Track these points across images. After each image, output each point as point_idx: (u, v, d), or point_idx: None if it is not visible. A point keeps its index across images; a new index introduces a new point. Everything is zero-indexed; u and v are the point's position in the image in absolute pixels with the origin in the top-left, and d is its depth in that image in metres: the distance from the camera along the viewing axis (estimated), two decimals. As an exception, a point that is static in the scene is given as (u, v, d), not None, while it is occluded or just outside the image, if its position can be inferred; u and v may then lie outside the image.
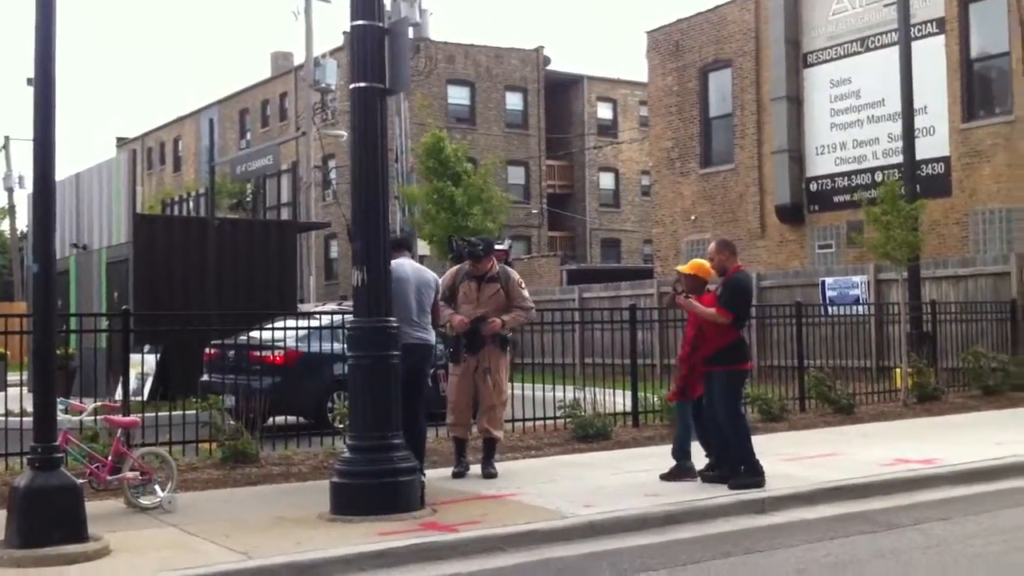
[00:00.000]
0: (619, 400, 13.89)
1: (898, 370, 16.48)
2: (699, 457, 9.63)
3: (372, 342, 8.16)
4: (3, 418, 10.90)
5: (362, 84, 8.29)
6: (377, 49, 8.28)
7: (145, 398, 15.77)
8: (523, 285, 10.21)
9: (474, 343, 9.75)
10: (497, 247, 10.48)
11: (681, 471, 9.52)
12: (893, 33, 23.12)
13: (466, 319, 9.76)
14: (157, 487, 8.37)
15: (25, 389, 16.48)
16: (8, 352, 19.31)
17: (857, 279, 21.50)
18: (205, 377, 13.82)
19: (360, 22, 8.30)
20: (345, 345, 9.48)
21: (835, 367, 15.64)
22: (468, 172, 27.22)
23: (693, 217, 29.82)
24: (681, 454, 9.62)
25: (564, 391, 13.25)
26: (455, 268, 10.22)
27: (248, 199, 44.66)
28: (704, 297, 9.53)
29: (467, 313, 9.79)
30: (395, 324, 8.31)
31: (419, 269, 9.79)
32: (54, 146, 7.29)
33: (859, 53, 25.90)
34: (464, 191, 26.47)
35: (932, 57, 23.28)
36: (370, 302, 8.18)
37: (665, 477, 9.52)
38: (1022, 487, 9.70)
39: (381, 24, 8.35)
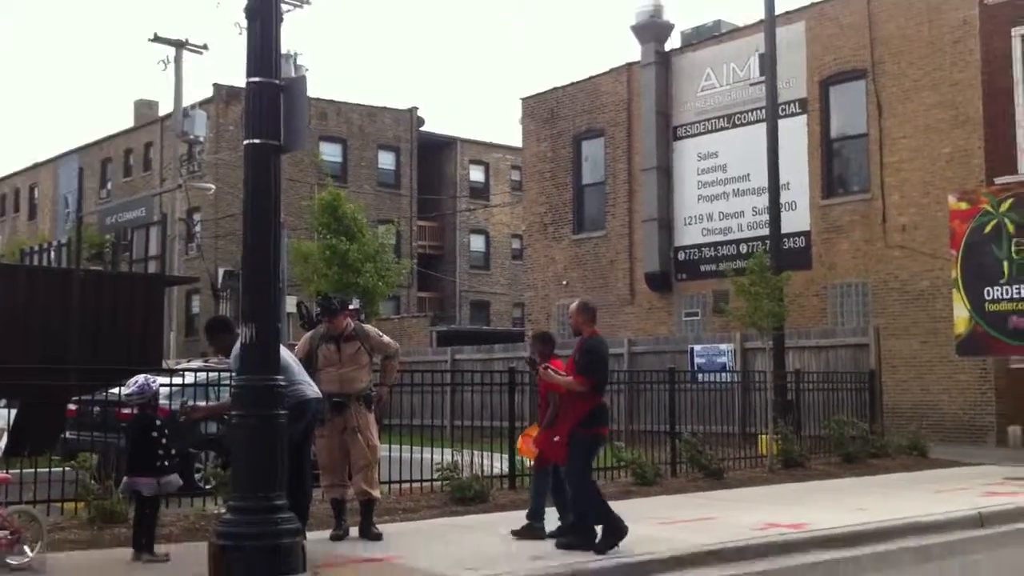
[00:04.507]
0: (495, 463, 13.88)
1: (763, 436, 16.94)
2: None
3: (259, 400, 7.98)
4: None
5: (256, 141, 8.19)
6: (272, 106, 8.23)
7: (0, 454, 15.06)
8: (380, 334, 10.27)
9: (339, 403, 9.69)
10: (350, 306, 10.43)
11: (532, 531, 9.70)
12: (758, 111, 24.17)
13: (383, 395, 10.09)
14: (26, 547, 8.03)
15: None
16: None
17: (724, 347, 22.10)
18: (69, 434, 13.29)
19: (256, 79, 8.25)
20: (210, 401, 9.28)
21: (703, 432, 15.98)
22: (364, 230, 27.29)
23: (564, 282, 30.26)
24: (535, 515, 9.82)
25: (439, 453, 13.18)
26: (309, 333, 10.16)
27: (108, 250, 43.40)
28: (556, 362, 9.72)
29: (331, 375, 9.73)
30: (283, 382, 8.22)
31: None
32: None
33: (726, 129, 26.89)
34: (359, 248, 26.44)
35: (794, 135, 24.31)
36: (259, 359, 8.03)
37: (517, 533, 9.71)
38: (884, 552, 10.06)
39: (277, 81, 8.33)
